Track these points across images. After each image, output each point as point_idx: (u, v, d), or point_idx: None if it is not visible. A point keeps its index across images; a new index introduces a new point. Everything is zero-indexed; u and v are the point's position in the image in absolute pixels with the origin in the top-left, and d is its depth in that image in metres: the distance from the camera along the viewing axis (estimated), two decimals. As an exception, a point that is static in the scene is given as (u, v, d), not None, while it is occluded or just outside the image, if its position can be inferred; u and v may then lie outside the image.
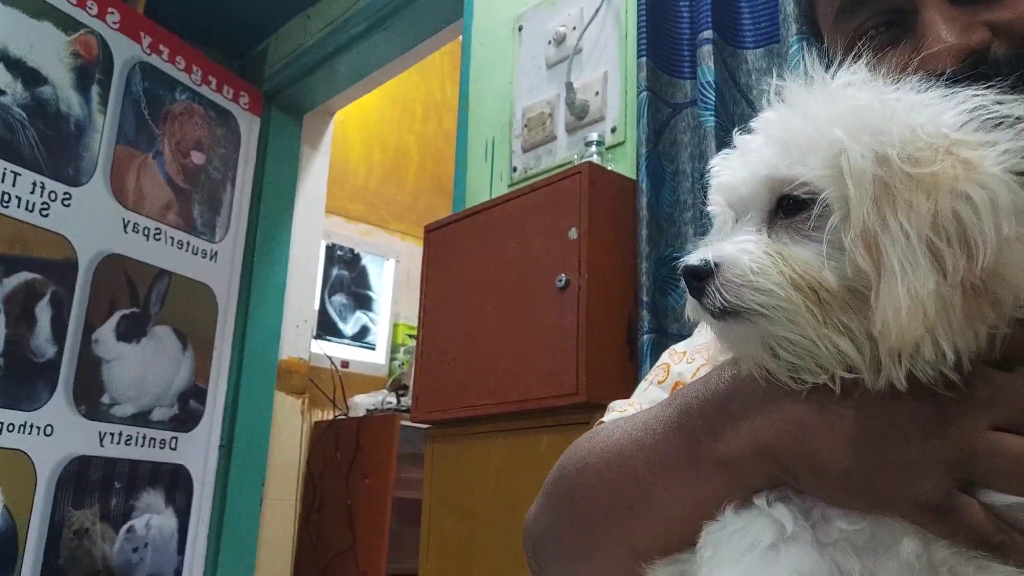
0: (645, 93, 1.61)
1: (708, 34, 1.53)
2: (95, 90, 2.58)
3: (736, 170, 0.49)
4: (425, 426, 1.81)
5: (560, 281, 1.51)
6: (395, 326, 3.93)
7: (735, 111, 1.54)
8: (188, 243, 2.81)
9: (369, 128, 4.06)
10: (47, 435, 2.34)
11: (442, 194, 4.01)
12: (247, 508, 3.00)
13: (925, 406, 0.41)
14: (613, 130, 1.79)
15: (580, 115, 1.86)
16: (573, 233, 1.52)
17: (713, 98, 1.50)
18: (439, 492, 1.73)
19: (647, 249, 1.54)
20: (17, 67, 2.36)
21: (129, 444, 2.56)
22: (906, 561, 0.41)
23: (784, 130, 0.46)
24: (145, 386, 2.63)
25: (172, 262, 2.75)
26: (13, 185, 2.31)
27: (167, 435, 2.68)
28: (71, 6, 2.50)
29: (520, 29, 2.12)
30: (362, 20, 2.85)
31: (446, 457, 1.73)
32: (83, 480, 2.44)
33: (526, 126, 2.01)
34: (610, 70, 1.84)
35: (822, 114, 0.45)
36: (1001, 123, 0.42)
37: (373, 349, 3.95)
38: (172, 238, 2.76)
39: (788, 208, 0.45)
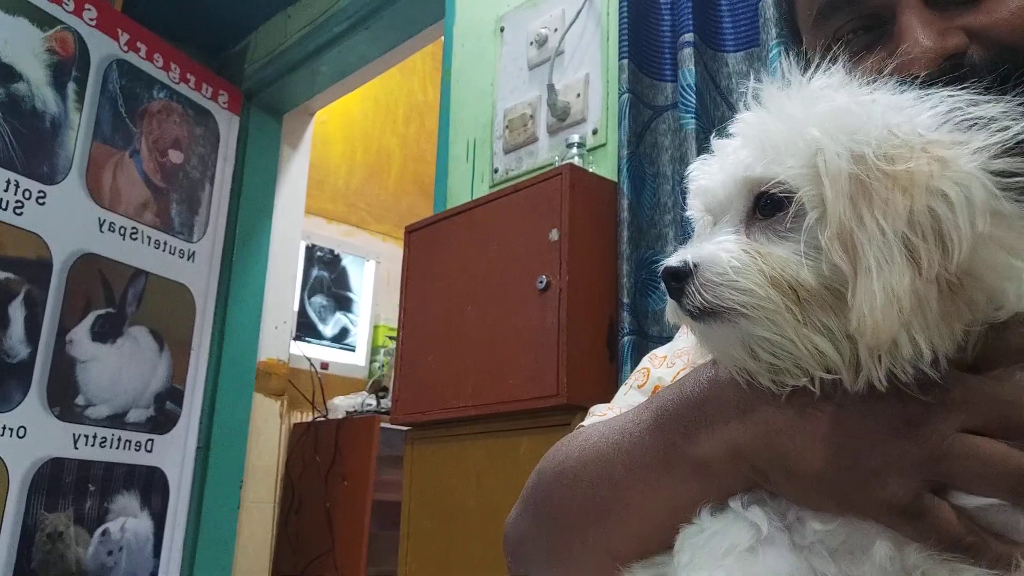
0: (626, 95, 1.61)
1: (689, 37, 1.54)
2: (71, 87, 2.54)
3: (714, 173, 0.49)
4: (405, 428, 1.80)
5: (541, 282, 1.51)
6: (375, 328, 3.91)
7: (716, 114, 1.54)
8: (165, 243, 2.78)
9: (350, 128, 4.04)
10: (20, 437, 2.30)
11: (424, 195, 3.99)
12: (224, 511, 2.97)
13: (897, 408, 0.42)
14: (594, 132, 1.80)
15: (561, 117, 1.86)
16: (554, 235, 1.52)
17: (694, 101, 1.50)
18: (419, 494, 1.72)
19: (628, 251, 1.54)
20: (-9, 63, 2.33)
21: (104, 446, 2.53)
22: (879, 564, 0.41)
23: (761, 131, 0.46)
24: (120, 387, 2.60)
25: (149, 262, 2.72)
26: (-14, 183, 2.27)
27: (143, 437, 2.65)
28: (47, 2, 2.47)
29: (502, 30, 2.12)
30: (343, 20, 2.83)
31: (426, 459, 1.72)
32: (57, 482, 2.40)
33: (507, 127, 2.00)
34: (592, 72, 1.85)
35: (799, 115, 0.45)
36: (975, 124, 0.42)
37: (353, 351, 3.93)
38: (149, 238, 2.73)
39: (766, 208, 0.45)
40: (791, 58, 0.49)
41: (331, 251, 3.96)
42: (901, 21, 0.58)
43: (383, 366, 3.50)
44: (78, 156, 2.54)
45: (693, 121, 1.49)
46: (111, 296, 2.60)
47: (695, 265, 0.45)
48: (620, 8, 1.67)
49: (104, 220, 2.59)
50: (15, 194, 2.34)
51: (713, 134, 0.51)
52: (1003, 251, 0.41)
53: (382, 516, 2.77)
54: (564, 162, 1.65)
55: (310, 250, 3.83)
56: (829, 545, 0.43)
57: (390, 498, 2.66)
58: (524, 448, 1.50)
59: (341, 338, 3.92)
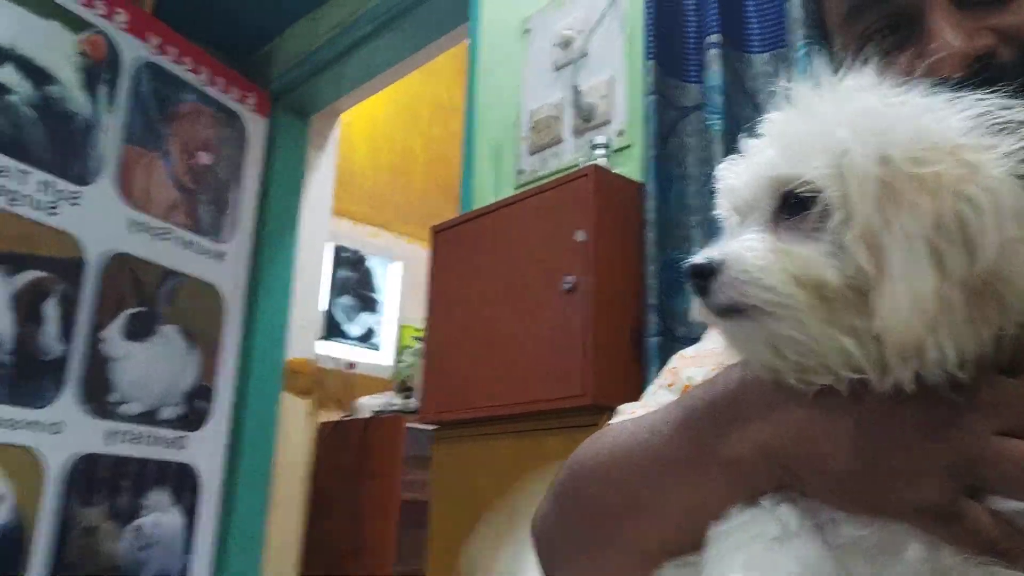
0: (652, 96, 1.61)
1: (715, 38, 1.54)
2: (103, 90, 2.59)
3: (741, 173, 0.49)
4: (431, 427, 1.81)
5: (567, 283, 1.51)
6: (401, 328, 3.93)
7: (742, 115, 1.54)
8: (195, 243, 2.83)
9: (376, 130, 4.07)
10: (56, 433, 2.35)
11: (448, 196, 4.01)
12: (253, 507, 3.01)
13: (929, 410, 0.41)
14: (620, 133, 1.80)
15: (587, 118, 1.87)
16: (580, 235, 1.53)
17: (720, 102, 1.50)
18: (445, 494, 1.73)
19: (654, 252, 1.54)
20: (26, 66, 2.38)
21: (136, 442, 2.58)
22: (912, 566, 0.41)
23: (788, 131, 0.46)
24: (152, 385, 2.64)
25: (179, 262, 2.76)
26: (22, 184, 2.32)
27: (174, 434, 2.69)
28: (79, 6, 2.52)
29: (527, 32, 2.13)
30: (369, 22, 2.86)
31: (452, 459, 1.73)
32: (91, 478, 2.45)
33: (533, 128, 2.01)
34: (617, 73, 1.85)
35: (827, 115, 0.45)
36: (1005, 128, 0.42)
37: (378, 351, 3.96)
38: (179, 238, 2.77)
39: (792, 208, 0.45)
40: (820, 58, 0.49)
41: (357, 252, 3.99)
42: (930, 21, 0.58)
43: (409, 366, 3.52)
44: (110, 157, 2.59)
45: (719, 122, 1.49)
46: (143, 295, 2.65)
47: (720, 263, 0.45)
48: (645, 9, 1.68)
49: (136, 220, 2.64)
50: (49, 195, 2.39)
51: (741, 134, 0.51)
52: None
53: (409, 515, 2.79)
54: (589, 163, 1.66)
55: (336, 251, 3.86)
56: (861, 546, 0.43)
57: (417, 497, 2.68)
58: (550, 448, 1.51)
59: (367, 338, 3.95)
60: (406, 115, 4.19)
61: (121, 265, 2.58)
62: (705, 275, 0.45)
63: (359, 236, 3.98)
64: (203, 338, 2.82)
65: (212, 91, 2.96)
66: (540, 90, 2.04)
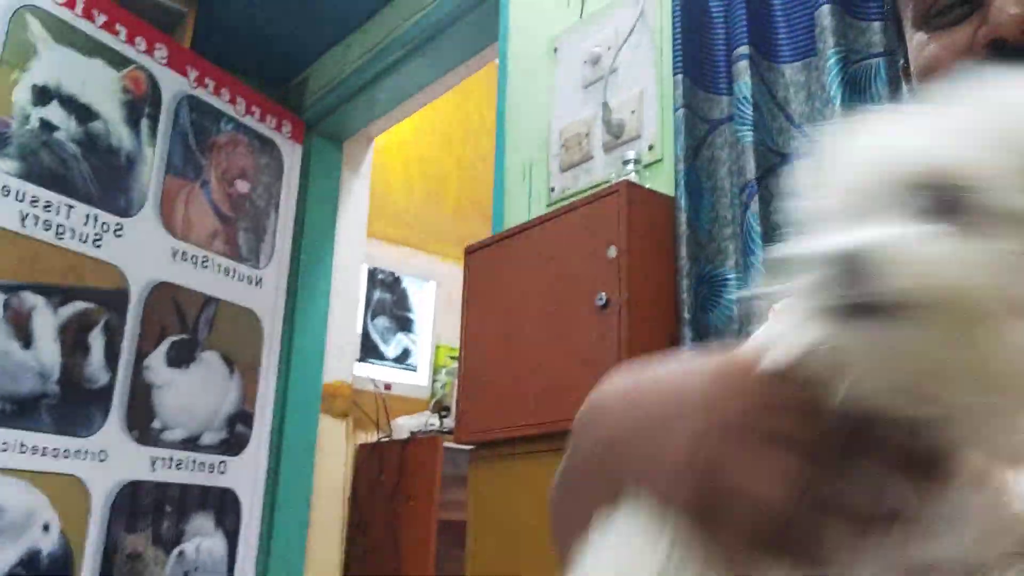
0: (681, 110, 1.61)
1: (744, 50, 1.53)
2: (145, 123, 2.66)
3: (871, 163, 0.40)
4: (468, 447, 1.81)
5: (600, 300, 1.51)
6: (436, 348, 3.95)
7: (773, 125, 1.53)
8: (234, 270, 2.87)
9: (408, 152, 4.12)
10: (101, 460, 2.40)
11: (481, 216, 4.02)
12: (294, 531, 3.03)
13: None
14: (650, 148, 1.79)
15: (617, 134, 1.87)
16: (612, 252, 1.52)
17: (750, 113, 1.49)
18: (483, 513, 1.73)
19: (687, 266, 1.53)
20: (71, 103, 2.46)
21: (180, 468, 2.61)
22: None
23: (940, 120, 0.39)
24: (194, 411, 2.68)
25: (219, 289, 2.81)
26: (68, 217, 2.39)
27: (216, 459, 2.73)
28: (121, 43, 2.60)
29: (556, 51, 2.14)
30: (399, 47, 2.90)
31: (490, 478, 1.73)
32: (136, 504, 2.49)
33: (563, 146, 2.02)
34: (646, 88, 1.85)
35: (986, 106, 0.39)
36: None
37: (415, 371, 3.98)
38: (219, 265, 2.82)
39: (935, 204, 0.36)
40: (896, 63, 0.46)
41: (392, 273, 4.02)
42: None
43: (445, 386, 3.53)
44: (152, 189, 2.65)
45: (750, 133, 1.48)
46: (184, 323, 2.70)
47: (863, 250, 0.35)
48: (673, 23, 1.67)
49: (177, 250, 2.69)
50: (94, 227, 2.46)
51: (861, 116, 0.44)
52: None
53: (447, 535, 2.78)
54: (620, 179, 1.65)
55: (371, 273, 3.90)
56: None
57: (455, 517, 2.67)
58: (588, 466, 1.49)
59: (403, 359, 3.97)
60: (438, 137, 4.24)
61: (163, 294, 2.63)
62: (841, 264, 0.35)
63: (394, 257, 4.02)
64: (243, 363, 2.86)
65: (249, 120, 3.03)
66: (570, 108, 2.05)
